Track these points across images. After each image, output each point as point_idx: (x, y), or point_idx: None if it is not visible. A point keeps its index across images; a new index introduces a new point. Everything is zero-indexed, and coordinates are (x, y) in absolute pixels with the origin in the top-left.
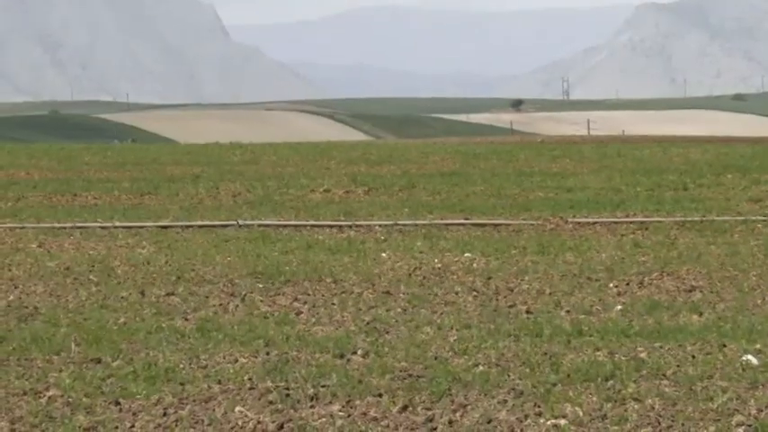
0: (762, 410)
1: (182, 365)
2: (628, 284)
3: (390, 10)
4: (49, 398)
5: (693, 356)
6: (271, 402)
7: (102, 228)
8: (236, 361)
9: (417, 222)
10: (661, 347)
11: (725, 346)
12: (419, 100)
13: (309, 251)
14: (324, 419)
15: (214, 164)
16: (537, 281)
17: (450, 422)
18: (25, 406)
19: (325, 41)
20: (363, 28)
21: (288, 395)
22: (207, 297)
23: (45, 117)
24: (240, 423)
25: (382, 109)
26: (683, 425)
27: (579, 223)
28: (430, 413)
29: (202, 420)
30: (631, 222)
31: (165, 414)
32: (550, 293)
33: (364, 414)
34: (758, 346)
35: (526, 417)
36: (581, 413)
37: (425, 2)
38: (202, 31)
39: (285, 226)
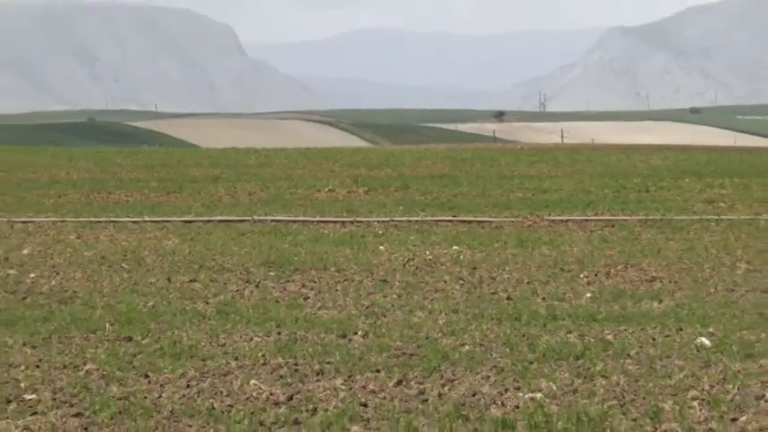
0: (714, 386)
1: (203, 343)
2: (596, 275)
3: (387, 31)
4: (87, 371)
5: (654, 338)
6: (281, 376)
7: (133, 222)
8: (251, 340)
9: (411, 219)
10: (625, 330)
11: (681, 329)
12: (413, 111)
13: (316, 244)
14: (328, 392)
15: (231, 166)
16: (516, 271)
17: (440, 395)
18: (65, 378)
19: (330, 58)
20: (363, 47)
21: (296, 370)
22: (225, 284)
23: (83, 124)
24: (254, 394)
25: (380, 118)
26: (644, 398)
27: (554, 221)
28: (422, 387)
29: (221, 392)
30: (600, 220)
31: (188, 386)
32: (528, 282)
33: (363, 387)
34: (711, 329)
35: (506, 390)
36: (555, 388)
37: (418, 24)
38: (221, 49)
39: (294, 221)
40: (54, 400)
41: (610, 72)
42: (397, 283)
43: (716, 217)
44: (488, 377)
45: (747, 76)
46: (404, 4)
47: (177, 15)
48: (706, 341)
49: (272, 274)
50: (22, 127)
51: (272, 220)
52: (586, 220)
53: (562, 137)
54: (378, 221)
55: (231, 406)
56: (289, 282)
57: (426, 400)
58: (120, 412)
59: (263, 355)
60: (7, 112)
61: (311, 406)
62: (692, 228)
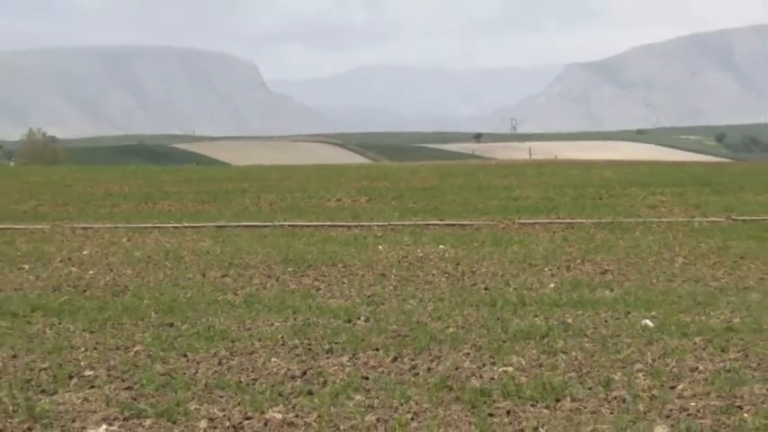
0: (656, 360)
1: (232, 328)
2: (558, 268)
3: (387, 68)
4: (135, 352)
5: (606, 321)
6: (297, 355)
7: (174, 227)
8: (272, 324)
9: (405, 223)
10: (582, 314)
11: (629, 313)
12: (407, 134)
13: (326, 244)
14: (336, 367)
15: (256, 181)
16: (492, 266)
17: (429, 369)
18: (117, 357)
19: (339, 91)
20: (367, 81)
21: (310, 349)
22: (251, 278)
23: (133, 147)
24: (275, 370)
25: (380, 140)
26: (598, 370)
27: (523, 224)
28: (414, 362)
29: (247, 368)
30: (561, 223)
31: (220, 363)
32: (502, 275)
33: (365, 363)
34: (653, 313)
35: (484, 365)
36: (523, 362)
37: (413, 62)
38: (248, 84)
39: (308, 226)
40: (108, 375)
41: (568, 100)
42: (393, 276)
43: (657, 220)
44: (469, 354)
45: (682, 102)
46: (401, 45)
47: (213, 57)
48: (649, 323)
49: (290, 269)
50: (84, 150)
51: (290, 225)
52: (550, 223)
53: (530, 154)
54: (377, 225)
55: (255, 379)
56: (303, 276)
57: (417, 374)
58: (163, 386)
59: (282, 337)
60: (72, 138)
61: (322, 379)
62: (637, 229)
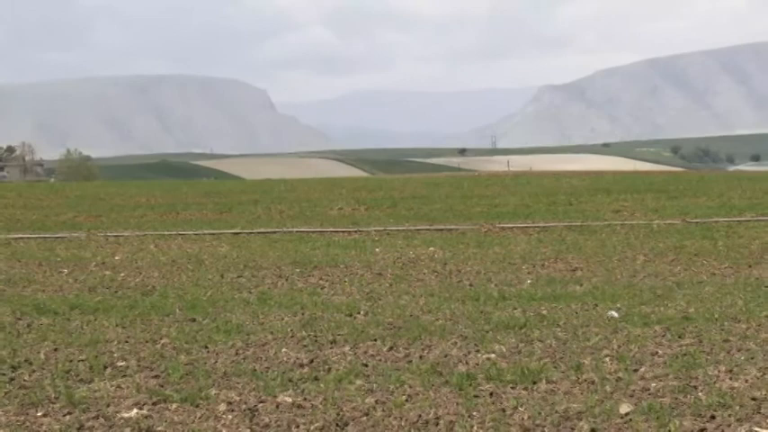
0: (621, 346)
1: (247, 322)
2: (534, 266)
3: (382, 91)
4: (162, 344)
5: (576, 312)
6: (305, 345)
7: (196, 234)
8: (283, 319)
9: (399, 228)
10: (556, 307)
11: (597, 305)
12: (400, 150)
13: (329, 248)
14: (339, 356)
15: (267, 192)
16: (476, 265)
17: (421, 357)
18: (146, 349)
19: (340, 112)
20: (363, 103)
21: (316, 340)
22: (263, 278)
23: (158, 164)
24: (285, 359)
25: (376, 156)
26: (570, 356)
27: (503, 227)
28: (407, 351)
29: (261, 357)
30: (536, 227)
31: (236, 354)
32: (484, 273)
33: (365, 352)
34: (618, 305)
35: (469, 352)
36: (504, 349)
37: (405, 85)
38: (258, 106)
39: (313, 232)
40: (138, 365)
41: (542, 118)
42: (389, 275)
43: (620, 222)
44: (456, 343)
45: (641, 119)
46: (394, 71)
47: (228, 83)
48: (615, 313)
49: (298, 270)
50: (115, 167)
51: (297, 231)
52: (526, 227)
53: (508, 166)
54: (374, 230)
55: (268, 368)
56: (310, 276)
57: (411, 361)
58: (186, 374)
59: (291, 330)
60: (104, 157)
61: (327, 367)
62: (603, 231)
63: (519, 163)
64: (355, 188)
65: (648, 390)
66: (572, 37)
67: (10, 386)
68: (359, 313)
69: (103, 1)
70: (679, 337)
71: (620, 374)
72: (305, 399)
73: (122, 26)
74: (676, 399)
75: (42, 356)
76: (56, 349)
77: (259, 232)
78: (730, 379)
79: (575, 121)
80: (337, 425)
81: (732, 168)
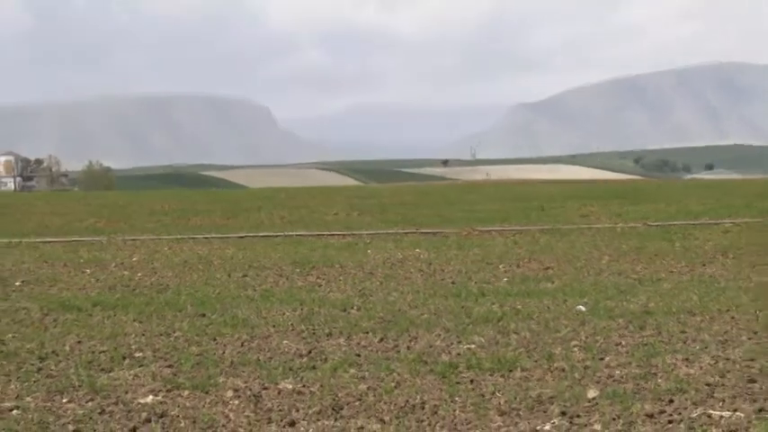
0: (588, 337)
1: (252, 317)
2: (510, 266)
3: (375, 106)
4: (175, 337)
5: (548, 307)
6: (304, 337)
7: (205, 238)
8: (284, 314)
9: (388, 232)
10: (530, 302)
11: (566, 300)
12: (390, 161)
13: (326, 249)
14: (335, 347)
15: (269, 200)
16: (458, 264)
17: (408, 347)
18: (161, 342)
19: (336, 127)
20: (356, 119)
21: (314, 333)
22: (266, 277)
23: (171, 174)
24: (286, 350)
25: (368, 166)
26: (542, 347)
27: (482, 231)
28: (396, 342)
29: (264, 349)
30: (512, 230)
31: (242, 345)
32: (465, 272)
33: (358, 343)
34: (585, 300)
35: (452, 343)
36: (483, 341)
37: (395, 101)
38: (261, 122)
39: (311, 235)
40: (154, 356)
41: (516, 133)
42: (379, 274)
43: (588, 226)
44: (440, 335)
45: (606, 132)
46: (384, 90)
47: (234, 101)
48: (582, 308)
49: (297, 270)
50: (132, 177)
51: (297, 235)
52: (503, 230)
53: (487, 175)
54: (366, 234)
55: (270, 358)
56: (308, 275)
57: (399, 351)
58: (197, 364)
59: (292, 324)
60: (122, 168)
61: (323, 357)
62: (572, 233)
63: (496, 173)
64: (349, 196)
65: (613, 376)
66: (543, 59)
67: (38, 375)
68: (352, 308)
69: (122, 26)
70: (640, 329)
71: (588, 363)
72: (304, 386)
73: (138, 50)
74: (638, 384)
75: (67, 348)
76: (79, 342)
77: (262, 236)
78: (686, 366)
79: (546, 134)
80: (333, 409)
81: (688, 177)
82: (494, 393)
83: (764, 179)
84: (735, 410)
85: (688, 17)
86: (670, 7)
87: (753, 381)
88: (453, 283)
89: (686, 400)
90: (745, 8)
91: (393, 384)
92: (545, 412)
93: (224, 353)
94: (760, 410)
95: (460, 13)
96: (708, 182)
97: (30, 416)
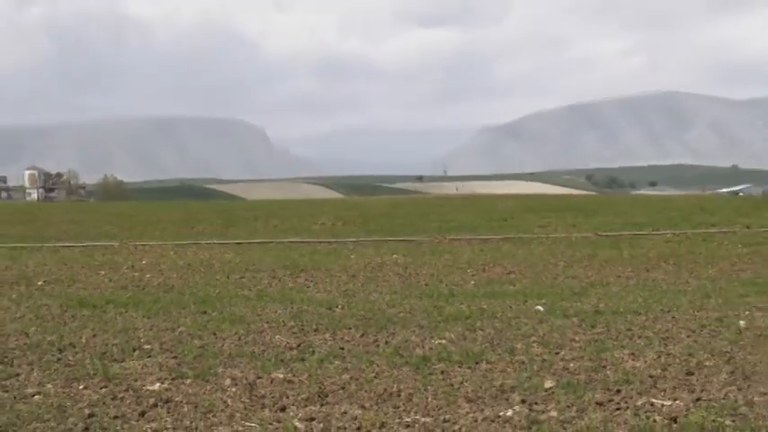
0: (546, 334)
1: (248, 314)
2: (477, 270)
3: (358, 128)
4: (180, 331)
5: (511, 307)
6: (294, 333)
7: (207, 243)
8: (276, 312)
9: (369, 239)
10: (494, 302)
11: (527, 301)
12: (370, 176)
13: (314, 255)
14: (321, 341)
15: (265, 210)
16: (431, 269)
17: (386, 342)
18: (167, 336)
19: (324, 146)
20: (342, 139)
21: (302, 329)
22: (261, 279)
23: (177, 187)
24: (278, 343)
25: (352, 181)
26: (505, 342)
27: (452, 239)
28: (376, 337)
29: (259, 342)
30: (479, 239)
31: (239, 339)
32: (437, 275)
33: (342, 338)
34: (543, 301)
35: (425, 339)
36: (453, 337)
37: (375, 124)
38: (257, 141)
39: (301, 242)
40: (160, 348)
41: (483, 152)
42: (361, 277)
43: (545, 235)
44: (414, 331)
45: (562, 152)
46: (367, 113)
47: (233, 123)
48: (541, 308)
49: (288, 272)
50: (142, 190)
51: (288, 242)
52: (471, 239)
53: (457, 189)
54: (350, 241)
55: (264, 350)
56: (298, 277)
57: (378, 345)
58: (199, 355)
59: (283, 321)
60: (134, 181)
61: (311, 350)
62: (532, 242)
63: (465, 188)
64: (334, 208)
65: (567, 369)
66: (506, 87)
67: (57, 364)
68: (337, 307)
69: (135, 55)
70: (592, 327)
71: (545, 356)
72: (294, 375)
73: (148, 76)
74: (590, 376)
75: (83, 341)
76: (94, 335)
77: (257, 242)
78: (632, 360)
79: (509, 154)
80: (319, 396)
81: (634, 192)
82: (462, 383)
83: (701, 195)
84: (675, 399)
85: (635, 51)
86: (618, 42)
87: (691, 373)
88: (426, 285)
89: (632, 390)
90: (685, 45)
91: (373, 375)
92: (507, 400)
93: (223, 346)
94: (697, 400)
95: (434, 47)
96: (651, 197)
97: (50, 400)
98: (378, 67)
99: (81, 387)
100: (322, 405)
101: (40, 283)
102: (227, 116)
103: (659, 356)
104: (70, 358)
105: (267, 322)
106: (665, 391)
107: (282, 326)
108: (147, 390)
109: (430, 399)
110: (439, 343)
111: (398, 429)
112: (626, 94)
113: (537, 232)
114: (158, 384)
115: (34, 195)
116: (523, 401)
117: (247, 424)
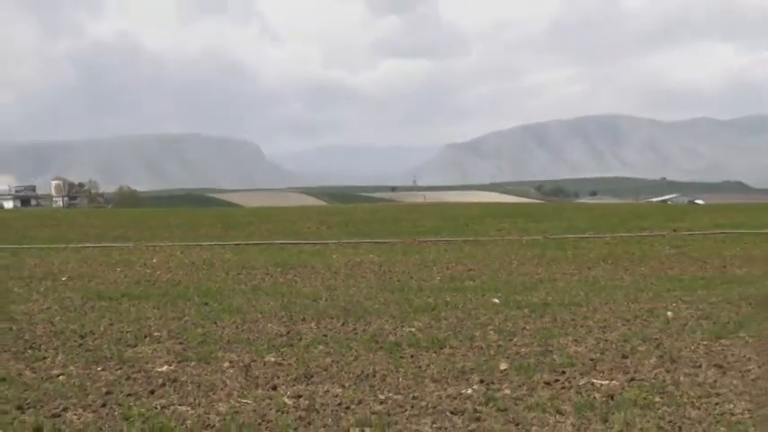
0: (500, 323)
1: (244, 306)
2: (442, 268)
3: (339, 147)
4: (185, 321)
5: (471, 300)
6: (284, 322)
7: (208, 245)
8: (269, 303)
9: (349, 241)
10: (457, 296)
11: (485, 294)
12: (351, 187)
13: (301, 254)
14: (307, 329)
15: (259, 216)
16: (402, 267)
17: (364, 330)
18: (174, 324)
19: (310, 160)
20: (326, 154)
21: (291, 318)
22: (255, 275)
23: (183, 196)
24: (270, 331)
25: (334, 191)
26: (466, 330)
27: (422, 241)
28: (354, 326)
29: (253, 330)
30: (444, 241)
31: (236, 327)
32: (408, 272)
33: (325, 326)
34: (499, 294)
35: (397, 327)
36: (421, 325)
37: (353, 141)
38: (253, 156)
39: (290, 243)
40: (168, 335)
41: (448, 167)
42: (342, 274)
43: (501, 238)
44: (388, 320)
45: (516, 167)
46: (348, 131)
47: (231, 140)
48: (497, 300)
49: (279, 270)
50: (152, 198)
51: (280, 243)
52: (437, 241)
53: (425, 198)
54: (333, 243)
55: (258, 337)
56: (287, 273)
57: (356, 333)
58: (201, 342)
59: (275, 311)
60: (145, 190)
61: (299, 336)
62: (489, 244)
63: (432, 197)
64: (319, 214)
65: (519, 353)
66: (469, 110)
67: (79, 349)
68: (321, 299)
69: (147, 80)
70: (540, 317)
71: (500, 342)
72: (283, 358)
73: (159, 99)
74: (538, 359)
75: (101, 329)
76: (111, 324)
77: (253, 243)
78: (575, 346)
79: (470, 168)
80: (306, 376)
81: (577, 201)
82: (428, 365)
83: (635, 203)
84: (612, 380)
85: (579, 80)
86: (565, 72)
87: (625, 357)
88: (398, 280)
89: (575, 371)
90: (622, 74)
91: (352, 358)
92: (467, 380)
93: (222, 333)
94: (631, 380)
95: (405, 76)
96: (592, 205)
97: (72, 380)
98: (357, 92)
99: (99, 369)
100: (308, 384)
101: (64, 278)
102: (227, 134)
103: (598, 342)
104: (90, 344)
105: (261, 313)
106: (603, 372)
107: (274, 316)
108: (157, 371)
109: (401, 379)
110: (409, 331)
111: (374, 406)
112: (571, 116)
113: (494, 235)
114: (166, 366)
115: (59, 203)
116: (482, 381)
117: (243, 401)
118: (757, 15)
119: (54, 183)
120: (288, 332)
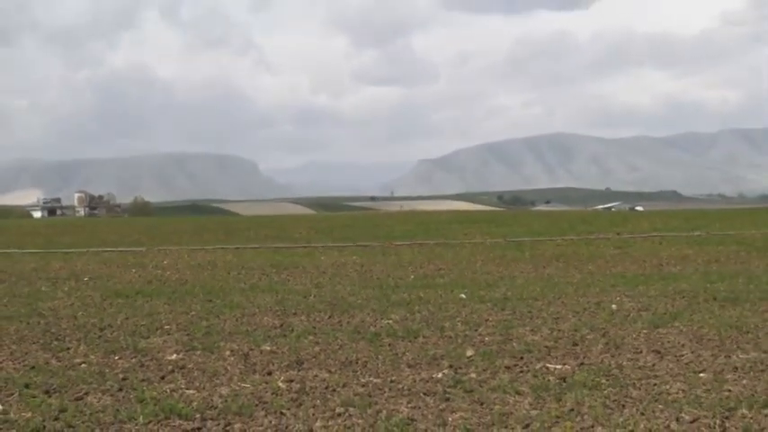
0: (467, 315)
1: (243, 302)
2: (416, 268)
3: (326, 163)
4: (191, 315)
5: (441, 295)
6: (278, 315)
7: (212, 248)
8: (265, 300)
9: (335, 245)
10: (428, 292)
11: (453, 290)
12: (336, 197)
13: (293, 256)
14: (299, 322)
15: (256, 223)
16: (381, 267)
17: (348, 322)
18: (181, 318)
19: (300, 175)
20: (315, 170)
21: (284, 312)
22: (253, 275)
23: (189, 206)
24: (266, 323)
25: (323, 201)
26: (436, 322)
27: (398, 244)
28: (339, 319)
29: (251, 323)
30: (417, 244)
31: (236, 321)
32: (386, 272)
33: (314, 319)
34: (466, 290)
35: (377, 319)
36: (397, 317)
37: (339, 157)
38: (250, 171)
39: (284, 247)
40: (177, 328)
41: (421, 180)
42: (329, 273)
43: (467, 241)
44: (369, 314)
45: (480, 180)
46: (333, 149)
47: (231, 157)
48: (464, 296)
49: (274, 270)
50: (162, 208)
51: (274, 246)
52: (411, 244)
53: (401, 207)
54: (320, 246)
55: (255, 329)
56: (281, 273)
57: (341, 325)
58: (206, 333)
59: (270, 306)
60: (156, 201)
61: (291, 328)
62: (457, 246)
63: (407, 206)
64: (308, 221)
65: (484, 342)
66: (438, 129)
67: (98, 341)
68: (310, 296)
69: (158, 105)
70: (502, 310)
71: (467, 332)
72: (277, 348)
73: (168, 122)
74: (500, 347)
75: (119, 322)
76: (127, 318)
77: (251, 247)
78: (532, 335)
79: (441, 181)
80: (297, 363)
81: (533, 208)
82: (404, 353)
83: (583, 210)
84: (564, 364)
85: (535, 103)
86: (522, 96)
87: (576, 344)
88: (378, 279)
89: (532, 357)
90: (571, 97)
91: (337, 347)
92: (438, 365)
93: (224, 326)
94: (581, 364)
95: (383, 100)
96: (546, 212)
97: (92, 368)
98: (341, 115)
99: (116, 358)
100: (299, 370)
101: (86, 279)
102: (228, 152)
103: (552, 332)
104: (108, 336)
105: (258, 307)
106: (556, 358)
107: (269, 310)
108: (167, 359)
109: (380, 365)
110: (387, 322)
111: (357, 388)
112: (527, 134)
113: (461, 239)
114: (175, 355)
115: (82, 213)
116: (450, 366)
117: (242, 384)
118: (687, 47)
119: (77, 195)
120: (281, 324)
